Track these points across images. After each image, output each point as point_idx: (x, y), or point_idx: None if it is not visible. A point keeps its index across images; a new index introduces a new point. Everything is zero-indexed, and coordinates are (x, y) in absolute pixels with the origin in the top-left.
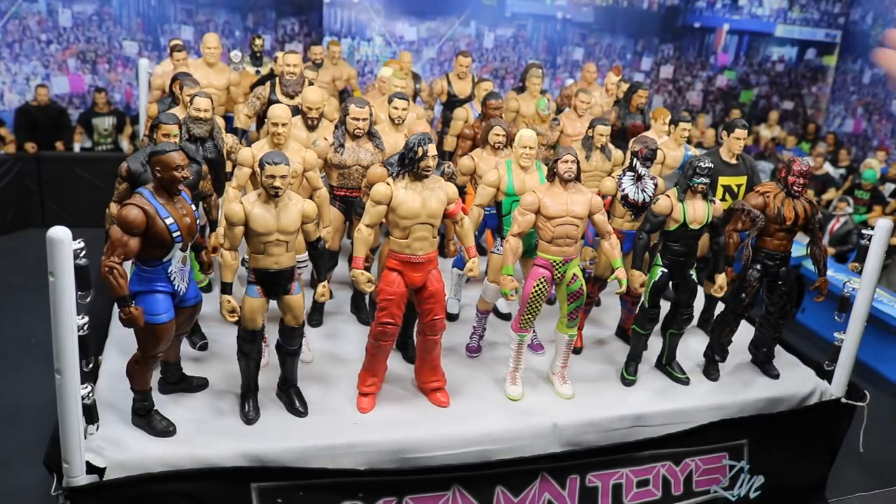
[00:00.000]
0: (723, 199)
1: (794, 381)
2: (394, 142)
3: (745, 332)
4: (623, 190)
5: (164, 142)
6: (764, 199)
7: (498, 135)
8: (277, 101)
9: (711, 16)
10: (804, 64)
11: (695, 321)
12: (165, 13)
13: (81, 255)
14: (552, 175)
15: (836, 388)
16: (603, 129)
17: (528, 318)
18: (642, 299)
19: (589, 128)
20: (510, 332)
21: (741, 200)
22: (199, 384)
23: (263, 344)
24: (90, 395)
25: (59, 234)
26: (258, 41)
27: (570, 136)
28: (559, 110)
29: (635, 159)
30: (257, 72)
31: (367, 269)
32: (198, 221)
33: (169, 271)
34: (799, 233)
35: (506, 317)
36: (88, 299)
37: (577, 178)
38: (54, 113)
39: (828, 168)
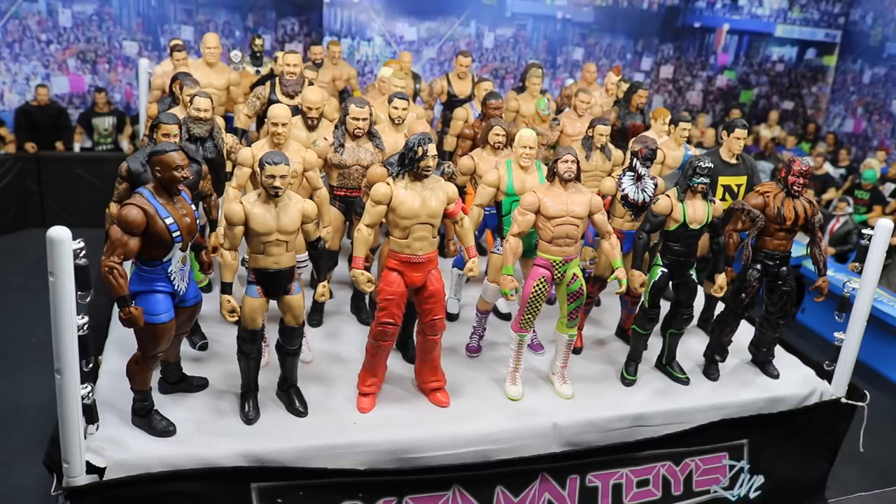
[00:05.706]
0: (723, 199)
1: (794, 381)
2: (394, 142)
3: (745, 332)
4: (623, 190)
5: (164, 142)
6: (764, 199)
7: (498, 135)
8: (277, 101)
9: (711, 16)
10: (804, 64)
11: (695, 321)
12: (165, 13)
13: (81, 255)
14: (552, 175)
15: (836, 388)
16: (603, 129)
17: (528, 318)
18: (642, 299)
19: (589, 128)
20: (510, 332)
21: (741, 200)
22: (199, 384)
23: (263, 344)
24: (90, 395)
25: (59, 234)
26: (258, 41)
27: (570, 136)
28: (559, 110)
29: (635, 159)
30: (257, 72)
31: (367, 269)
32: (198, 221)
33: (169, 271)
34: (799, 233)
35: (506, 317)
36: (88, 299)
37: (577, 178)
38: (54, 113)
39: (828, 168)
